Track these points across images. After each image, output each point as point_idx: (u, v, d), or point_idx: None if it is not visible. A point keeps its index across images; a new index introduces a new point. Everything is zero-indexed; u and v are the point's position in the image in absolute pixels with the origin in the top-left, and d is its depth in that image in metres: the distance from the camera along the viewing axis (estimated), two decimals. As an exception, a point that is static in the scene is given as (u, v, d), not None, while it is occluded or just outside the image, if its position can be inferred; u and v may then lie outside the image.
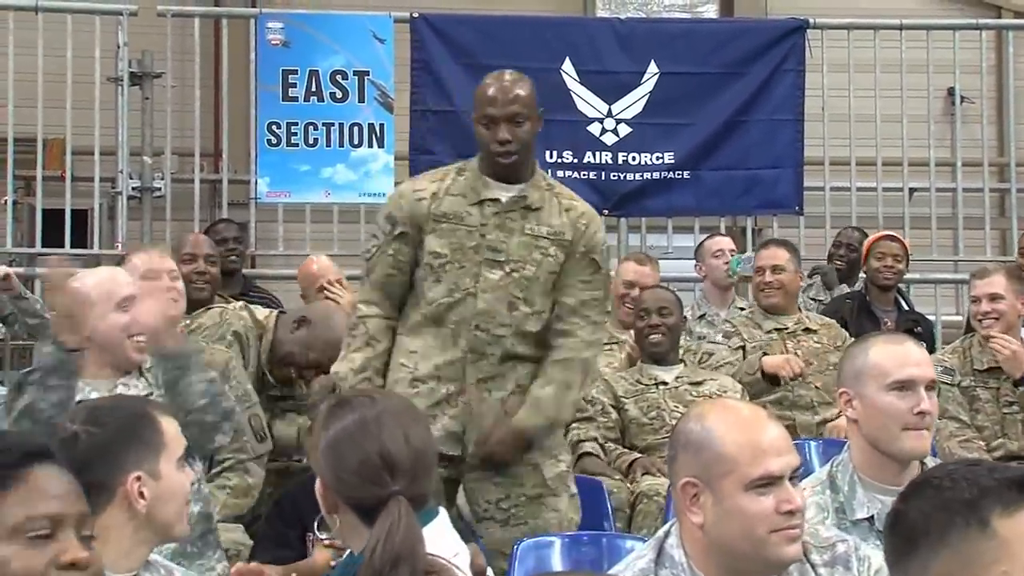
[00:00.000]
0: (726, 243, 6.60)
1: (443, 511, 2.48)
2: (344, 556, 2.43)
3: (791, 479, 2.29)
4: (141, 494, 2.44)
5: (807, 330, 5.56)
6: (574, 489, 4.00)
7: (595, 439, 4.92)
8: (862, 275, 6.60)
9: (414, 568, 2.18)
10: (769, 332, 5.55)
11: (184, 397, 3.23)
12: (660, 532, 2.38)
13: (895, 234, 6.65)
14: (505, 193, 3.87)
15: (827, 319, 5.76)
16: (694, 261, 6.68)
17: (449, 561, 2.27)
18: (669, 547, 2.31)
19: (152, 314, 3.10)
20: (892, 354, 2.90)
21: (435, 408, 3.78)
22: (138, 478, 2.44)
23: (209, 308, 5.03)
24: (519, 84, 3.88)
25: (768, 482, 2.25)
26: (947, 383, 4.92)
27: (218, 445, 3.25)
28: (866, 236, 6.89)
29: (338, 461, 2.30)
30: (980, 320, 5.08)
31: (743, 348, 5.51)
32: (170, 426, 2.54)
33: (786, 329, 5.55)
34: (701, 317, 6.33)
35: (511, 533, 3.77)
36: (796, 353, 5.46)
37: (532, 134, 3.87)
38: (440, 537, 2.33)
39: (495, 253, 3.81)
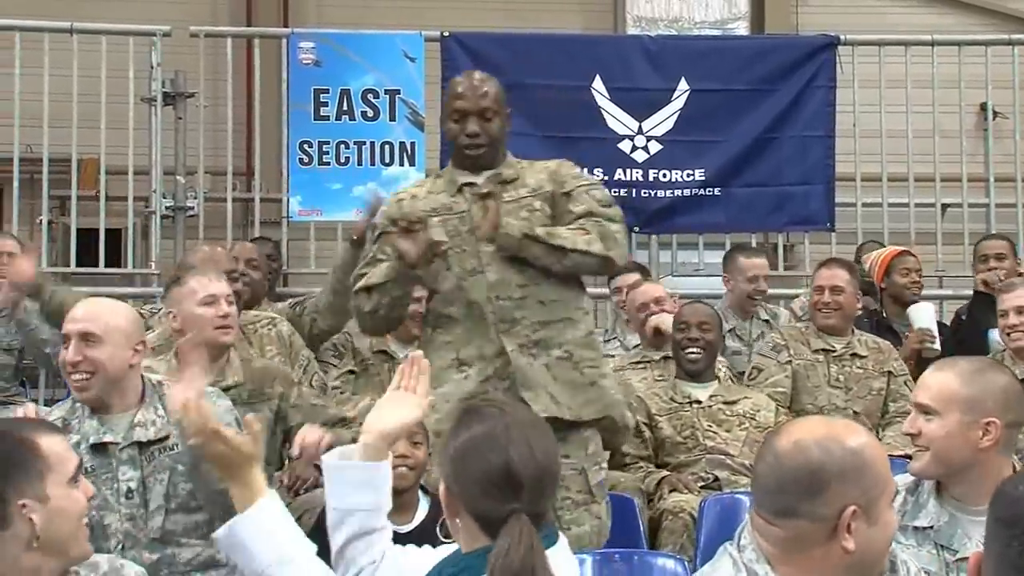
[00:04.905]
0: (762, 268, 6.44)
1: (563, 537, 2.42)
2: (450, 553, 2.40)
3: None
4: (31, 520, 2.38)
5: (854, 355, 5.47)
6: (607, 496, 4.08)
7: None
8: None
9: None
10: (816, 352, 5.49)
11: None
12: (730, 548, 2.30)
13: (908, 248, 6.63)
14: (480, 178, 4.04)
15: (881, 342, 5.61)
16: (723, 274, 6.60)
17: None
18: (749, 562, 2.24)
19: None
20: None
21: (485, 384, 3.89)
22: (23, 506, 2.38)
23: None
24: (488, 82, 4.07)
25: None
26: None
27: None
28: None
29: (462, 470, 2.29)
30: (1009, 333, 5.06)
31: (790, 363, 5.46)
32: (55, 445, 2.47)
33: (833, 351, 5.48)
34: (731, 331, 6.27)
35: None
36: (838, 378, 5.39)
37: (501, 130, 4.04)
38: (558, 570, 2.25)
39: None
